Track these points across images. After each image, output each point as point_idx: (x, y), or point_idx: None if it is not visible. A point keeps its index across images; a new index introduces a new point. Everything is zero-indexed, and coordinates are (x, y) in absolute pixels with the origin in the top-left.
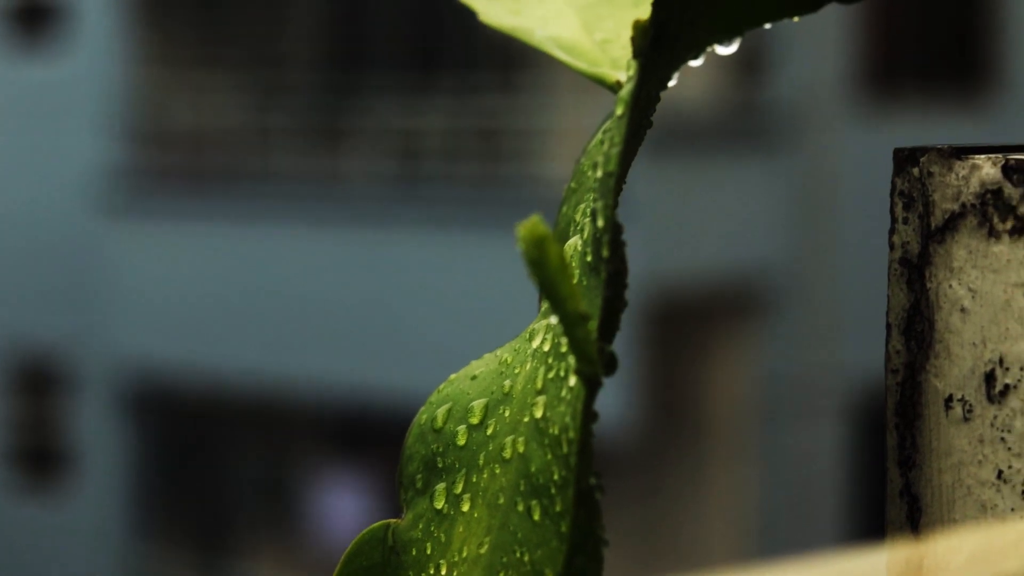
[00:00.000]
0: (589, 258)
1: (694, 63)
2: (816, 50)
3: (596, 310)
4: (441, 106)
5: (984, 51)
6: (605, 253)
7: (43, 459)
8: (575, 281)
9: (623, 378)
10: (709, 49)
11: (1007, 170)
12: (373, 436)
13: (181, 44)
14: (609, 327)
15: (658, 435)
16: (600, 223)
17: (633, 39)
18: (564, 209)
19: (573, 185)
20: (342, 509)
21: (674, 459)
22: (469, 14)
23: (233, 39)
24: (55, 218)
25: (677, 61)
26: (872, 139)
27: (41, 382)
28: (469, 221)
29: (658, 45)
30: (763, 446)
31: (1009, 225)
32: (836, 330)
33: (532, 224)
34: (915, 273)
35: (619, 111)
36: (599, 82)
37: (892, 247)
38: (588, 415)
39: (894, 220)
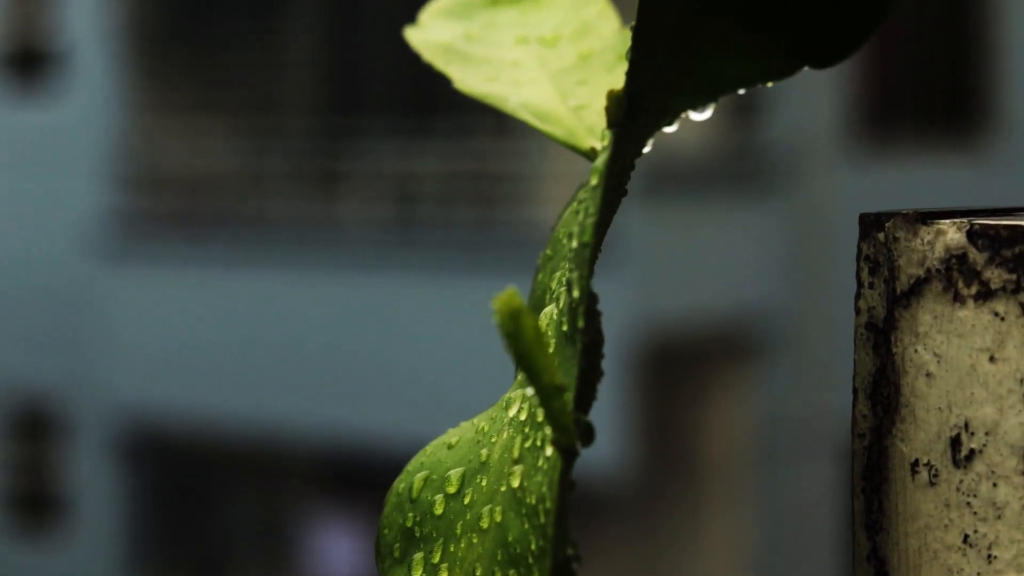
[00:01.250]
0: (565, 327)
1: (668, 129)
2: (811, 93)
3: (572, 380)
4: (437, 150)
5: (980, 94)
6: (580, 323)
7: (38, 504)
8: (551, 351)
9: (618, 421)
10: (684, 115)
11: (972, 235)
12: (367, 480)
13: (176, 89)
14: (585, 397)
15: (654, 478)
16: (575, 293)
17: (607, 109)
18: (540, 277)
19: (549, 252)
20: (337, 553)
21: (671, 502)
22: None
23: (228, 84)
24: (50, 262)
25: (652, 128)
26: (867, 182)
27: (36, 427)
28: (465, 265)
29: (632, 114)
30: (760, 489)
31: (974, 290)
32: (832, 373)
33: (507, 296)
34: (881, 338)
35: (594, 181)
36: (573, 149)
37: (858, 312)
38: (565, 485)
39: (860, 285)
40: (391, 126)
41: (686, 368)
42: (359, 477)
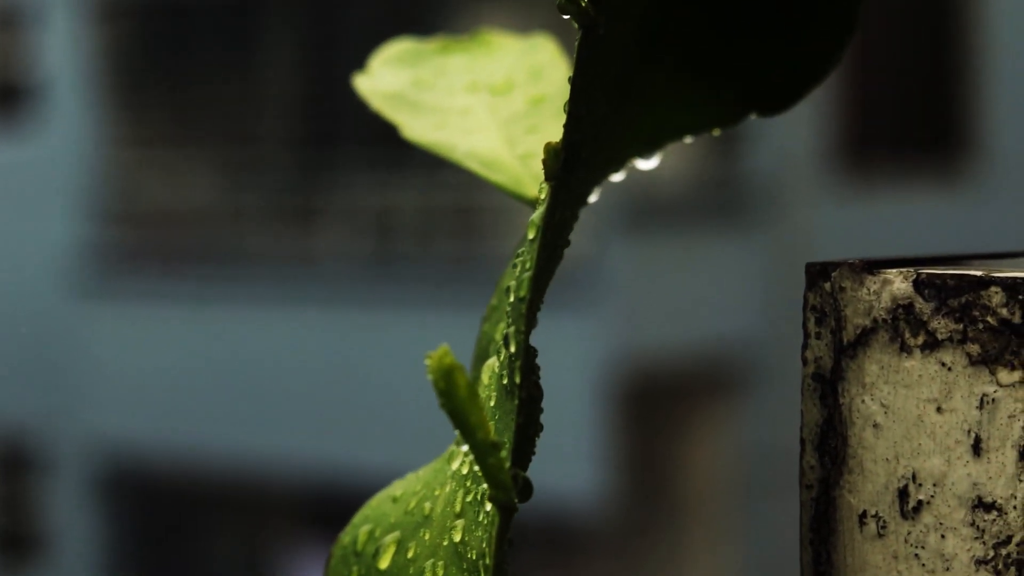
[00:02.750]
0: (505, 381)
1: (616, 177)
2: (790, 124)
3: (511, 435)
4: (415, 183)
5: (961, 126)
6: (517, 379)
7: (15, 542)
8: (492, 404)
9: (599, 455)
10: (630, 164)
11: (918, 285)
12: (347, 516)
13: (153, 123)
14: (523, 452)
15: (636, 514)
16: (512, 348)
17: (544, 161)
18: (485, 327)
19: (494, 302)
20: None
21: (652, 537)
22: None
23: (205, 118)
24: (26, 298)
25: (595, 178)
26: (848, 213)
27: (13, 463)
28: (445, 300)
29: (571, 167)
30: (743, 523)
31: (920, 340)
32: None
33: (440, 355)
34: (828, 388)
35: (531, 235)
36: (519, 199)
37: (805, 362)
38: (503, 541)
39: (807, 335)
40: (368, 159)
41: (667, 402)
42: (340, 512)
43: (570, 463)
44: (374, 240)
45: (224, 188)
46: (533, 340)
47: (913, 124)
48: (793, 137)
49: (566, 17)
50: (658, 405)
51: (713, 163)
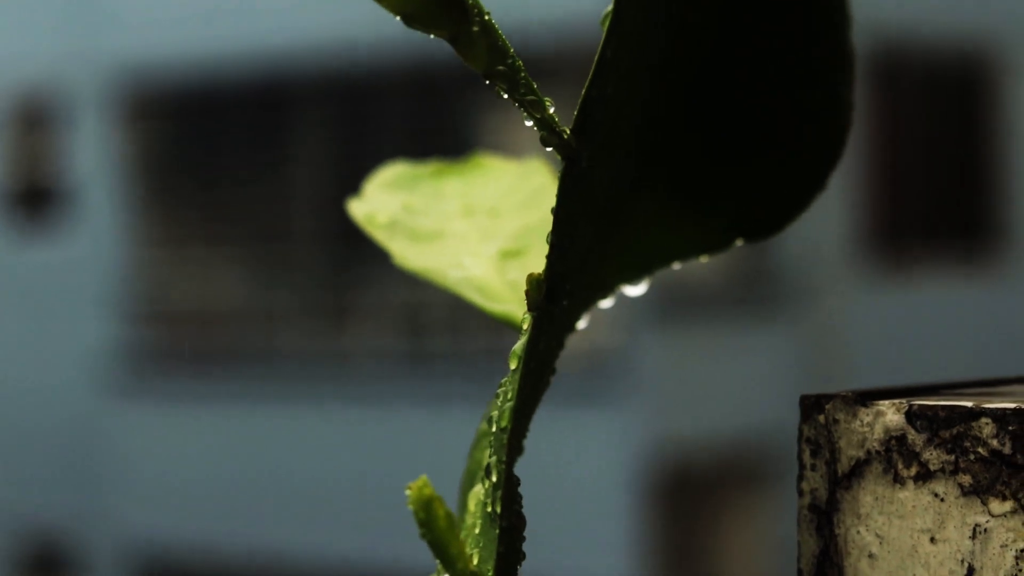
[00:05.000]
0: (489, 508)
1: (605, 304)
2: (820, 213)
3: (493, 563)
4: None
5: (989, 210)
6: (497, 509)
7: None
8: (478, 531)
9: (632, 548)
10: (617, 291)
11: (910, 416)
12: None
13: (183, 223)
14: None
15: None
16: (494, 478)
17: (527, 292)
18: (475, 454)
19: (484, 427)
20: None
21: None
22: None
23: (235, 217)
24: (60, 399)
25: (581, 306)
26: (879, 302)
27: (48, 564)
28: (475, 395)
29: (555, 297)
30: None
31: (913, 471)
32: None
33: (419, 485)
34: (824, 519)
35: (512, 365)
36: (508, 324)
37: (801, 493)
38: None
39: (802, 467)
40: None
41: (700, 493)
42: None
43: (603, 554)
44: (405, 337)
45: (255, 287)
46: (566, 432)
47: (943, 212)
48: (823, 226)
49: (548, 149)
50: (691, 496)
51: (743, 252)
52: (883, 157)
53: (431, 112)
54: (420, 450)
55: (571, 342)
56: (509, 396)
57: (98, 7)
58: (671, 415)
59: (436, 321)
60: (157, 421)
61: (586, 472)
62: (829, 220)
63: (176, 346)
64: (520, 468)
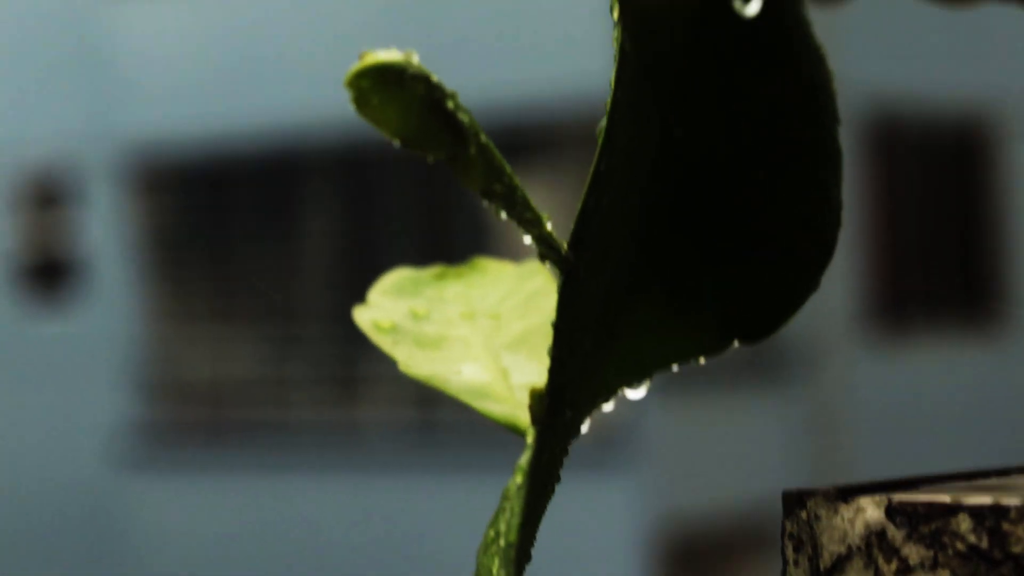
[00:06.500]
0: None
1: (606, 407)
2: (824, 282)
3: None
4: None
5: (990, 280)
6: None
7: None
8: None
9: None
10: (618, 395)
11: (890, 512)
12: None
13: (196, 296)
14: None
15: None
16: None
17: (529, 407)
18: (483, 559)
19: (491, 535)
20: None
21: None
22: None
23: (247, 290)
24: (74, 472)
25: (583, 414)
26: (883, 370)
27: None
28: (486, 466)
29: (556, 409)
30: None
31: (894, 567)
32: None
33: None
34: None
35: (518, 480)
36: (514, 431)
37: None
38: None
39: (785, 562)
40: None
41: (708, 562)
42: None
43: None
44: (416, 407)
45: (267, 359)
46: (574, 501)
47: (943, 280)
48: (826, 296)
49: (546, 263)
50: (699, 565)
51: None
52: (883, 225)
53: (440, 185)
54: (431, 519)
55: None
56: (516, 510)
57: (109, 83)
58: (677, 484)
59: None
60: (171, 494)
61: (593, 541)
62: (831, 290)
63: (189, 418)
64: None
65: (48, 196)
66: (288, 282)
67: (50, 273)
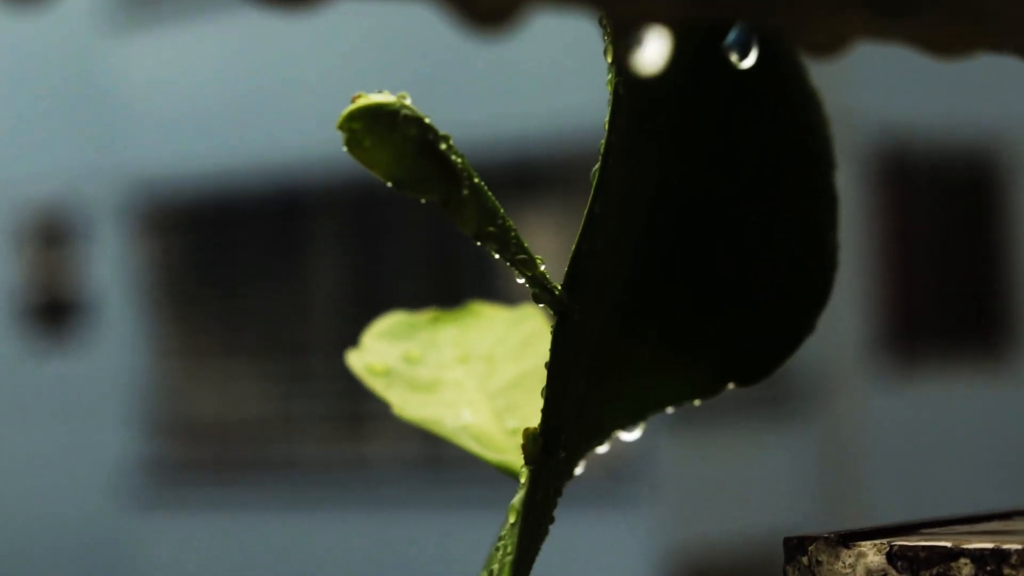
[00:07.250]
0: None
1: (601, 449)
2: (836, 314)
3: None
4: None
5: (1002, 309)
6: None
7: None
8: None
9: None
10: (613, 437)
11: (891, 557)
12: None
13: (203, 334)
14: None
15: None
16: None
17: (523, 447)
18: None
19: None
20: None
21: None
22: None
23: (254, 328)
24: (82, 511)
25: (578, 455)
26: (895, 403)
27: None
28: (492, 501)
29: (551, 450)
30: None
31: None
32: None
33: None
34: None
35: (511, 519)
36: (507, 473)
37: None
38: None
39: None
40: None
41: None
42: None
43: None
44: (422, 443)
45: (274, 396)
46: (584, 535)
47: (955, 311)
48: (837, 327)
49: (540, 306)
50: None
51: None
52: (895, 258)
53: (448, 222)
54: (438, 554)
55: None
56: (509, 550)
57: (115, 121)
58: (688, 518)
59: None
60: (178, 531)
61: (603, 575)
62: (843, 321)
63: (196, 456)
64: (538, 570)
65: (54, 233)
66: (295, 319)
67: (56, 311)
